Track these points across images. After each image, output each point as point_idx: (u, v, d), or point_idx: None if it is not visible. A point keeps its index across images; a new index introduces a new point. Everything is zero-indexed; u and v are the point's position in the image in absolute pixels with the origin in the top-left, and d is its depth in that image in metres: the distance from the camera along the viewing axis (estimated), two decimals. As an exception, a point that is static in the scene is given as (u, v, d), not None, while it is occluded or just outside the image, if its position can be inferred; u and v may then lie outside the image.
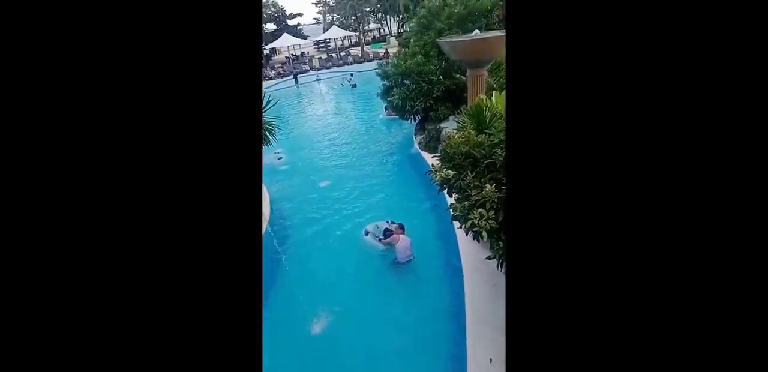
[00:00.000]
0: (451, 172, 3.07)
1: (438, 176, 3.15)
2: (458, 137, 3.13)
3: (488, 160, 2.79)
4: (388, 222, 6.38)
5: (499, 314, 4.00)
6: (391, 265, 5.88)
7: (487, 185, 2.69)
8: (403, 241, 5.78)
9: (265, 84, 23.60)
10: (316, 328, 4.83)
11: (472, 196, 2.76)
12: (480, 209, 2.69)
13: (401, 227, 5.98)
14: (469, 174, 2.92)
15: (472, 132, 3.20)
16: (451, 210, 3.02)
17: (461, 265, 5.11)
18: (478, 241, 2.98)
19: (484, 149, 3.00)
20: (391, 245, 5.93)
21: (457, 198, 3.04)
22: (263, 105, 6.08)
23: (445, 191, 3.29)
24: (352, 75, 22.61)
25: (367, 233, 6.55)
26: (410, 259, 5.79)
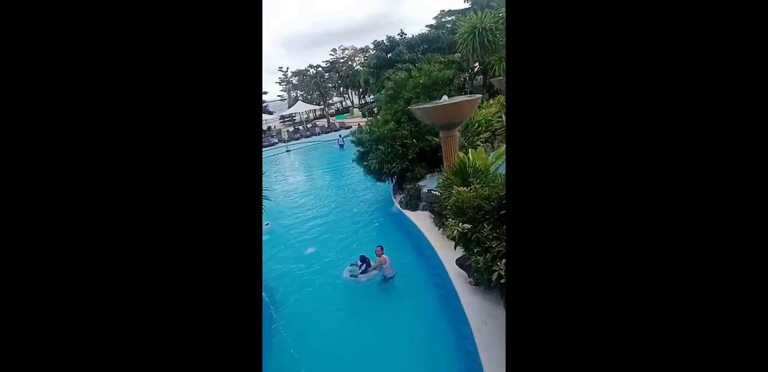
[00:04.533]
0: (468, 226, 3.10)
1: (455, 231, 3.16)
2: (469, 191, 3.23)
3: (503, 212, 2.87)
4: (357, 261, 7.15)
5: None
6: (380, 283, 6.88)
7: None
8: (387, 261, 6.81)
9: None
10: None
11: (493, 247, 2.77)
12: (504, 260, 2.68)
13: (381, 248, 6.91)
14: (486, 226, 2.96)
15: (478, 187, 3.32)
16: (472, 263, 2.98)
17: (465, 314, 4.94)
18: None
19: (493, 201, 3.10)
20: (380, 268, 6.85)
21: (477, 251, 3.03)
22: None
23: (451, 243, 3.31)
24: (341, 136, 23.49)
25: (352, 275, 7.11)
26: (394, 275, 6.86)
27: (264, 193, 6.30)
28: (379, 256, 6.83)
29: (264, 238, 10.01)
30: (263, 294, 6.71)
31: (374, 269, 6.91)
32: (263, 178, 6.51)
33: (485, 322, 4.64)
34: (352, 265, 7.22)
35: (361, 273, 6.99)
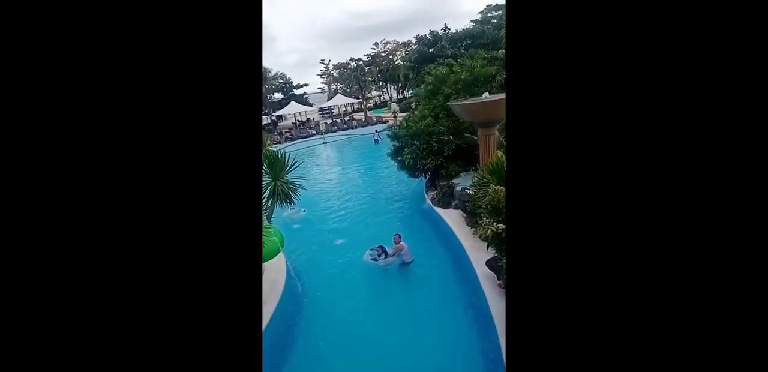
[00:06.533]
0: (502, 226, 3.03)
1: (488, 231, 3.11)
2: (505, 191, 3.15)
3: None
4: (375, 247, 7.57)
5: None
6: (399, 267, 7.33)
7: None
8: (404, 247, 7.21)
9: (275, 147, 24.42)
10: None
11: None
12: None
13: (399, 236, 7.32)
14: (521, 227, 2.89)
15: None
16: (504, 265, 2.92)
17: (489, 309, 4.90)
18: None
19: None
20: (397, 254, 7.24)
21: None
22: (289, 167, 6.23)
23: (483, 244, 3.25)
24: (377, 131, 23.61)
25: (374, 259, 7.50)
26: (412, 260, 7.27)
27: (300, 182, 6.48)
28: (397, 244, 7.22)
29: (297, 226, 10.27)
30: (294, 277, 7.04)
31: (392, 256, 7.29)
32: (300, 168, 6.68)
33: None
34: (372, 249, 7.62)
35: (382, 258, 7.37)
